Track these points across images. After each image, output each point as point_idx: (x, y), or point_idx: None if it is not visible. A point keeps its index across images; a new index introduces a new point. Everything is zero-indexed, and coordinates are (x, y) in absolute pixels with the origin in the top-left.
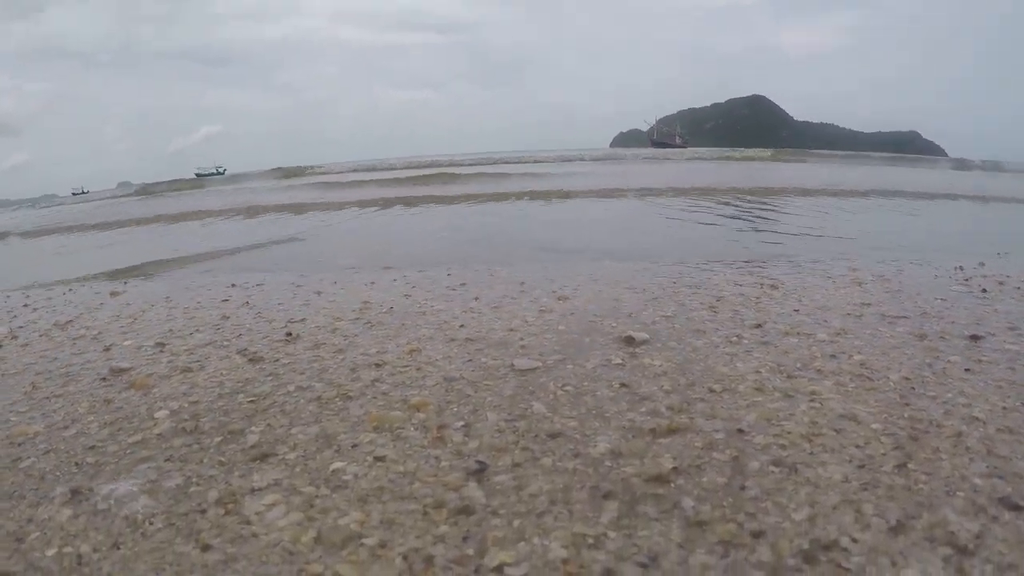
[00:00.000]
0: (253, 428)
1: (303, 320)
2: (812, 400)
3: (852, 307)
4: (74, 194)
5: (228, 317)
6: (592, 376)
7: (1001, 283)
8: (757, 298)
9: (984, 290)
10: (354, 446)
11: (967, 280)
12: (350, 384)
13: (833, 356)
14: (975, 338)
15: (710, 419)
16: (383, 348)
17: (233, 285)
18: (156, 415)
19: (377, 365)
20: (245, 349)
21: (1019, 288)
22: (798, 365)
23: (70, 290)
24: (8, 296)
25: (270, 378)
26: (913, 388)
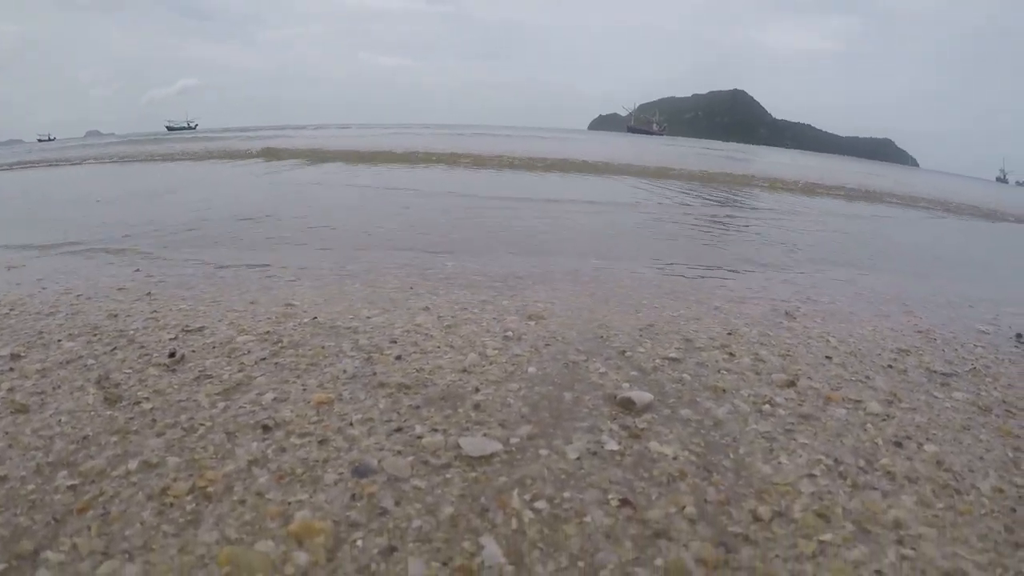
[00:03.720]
0: (50, 554)
1: (200, 329)
2: (900, 542)
3: (889, 355)
4: (40, 141)
5: (116, 315)
6: (577, 477)
7: None
8: (775, 332)
9: (1019, 335)
10: None
11: (995, 319)
12: (217, 466)
13: (898, 444)
14: None
15: None
16: (283, 394)
17: (138, 270)
18: None
19: (266, 428)
20: (107, 377)
21: None
22: (861, 463)
23: None
24: None
25: (115, 440)
26: (1014, 510)
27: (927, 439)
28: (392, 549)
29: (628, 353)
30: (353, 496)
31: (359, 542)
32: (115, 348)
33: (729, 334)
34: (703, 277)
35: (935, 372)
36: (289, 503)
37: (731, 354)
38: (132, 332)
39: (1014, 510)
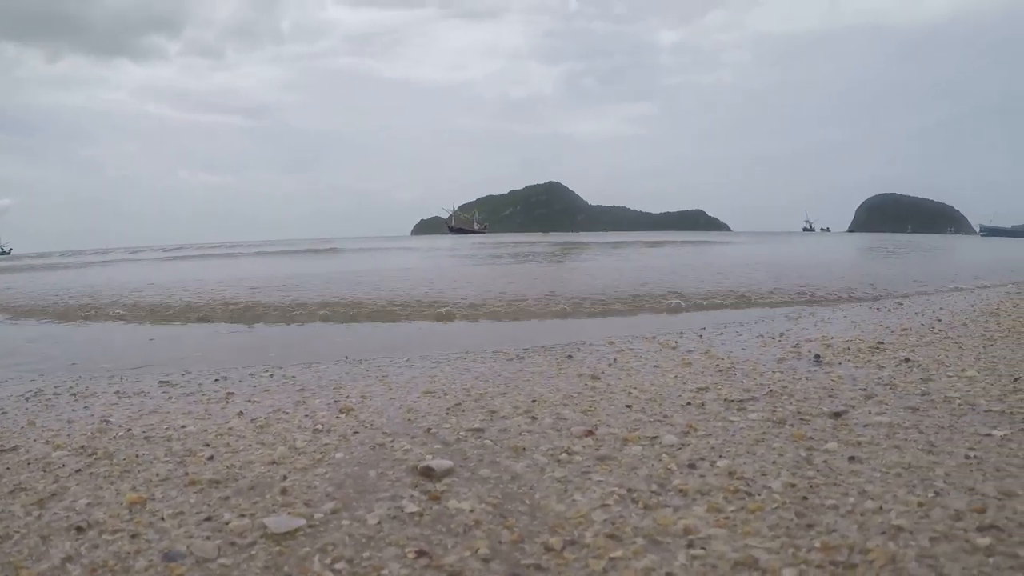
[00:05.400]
0: None
1: (15, 449)
2: (690, 545)
3: (689, 394)
4: None
5: None
6: (377, 538)
7: (828, 345)
8: (579, 392)
9: (817, 356)
10: None
11: (796, 346)
12: (32, 566)
13: (692, 466)
14: (838, 415)
15: None
16: (97, 498)
17: None
18: None
19: (79, 529)
20: None
21: (848, 349)
22: (653, 487)
23: None
24: None
25: None
26: (805, 498)
27: (720, 457)
28: None
29: (433, 430)
30: None
31: None
32: None
33: (533, 401)
34: (511, 360)
35: (732, 400)
36: None
37: (533, 418)
38: None
39: (806, 498)
